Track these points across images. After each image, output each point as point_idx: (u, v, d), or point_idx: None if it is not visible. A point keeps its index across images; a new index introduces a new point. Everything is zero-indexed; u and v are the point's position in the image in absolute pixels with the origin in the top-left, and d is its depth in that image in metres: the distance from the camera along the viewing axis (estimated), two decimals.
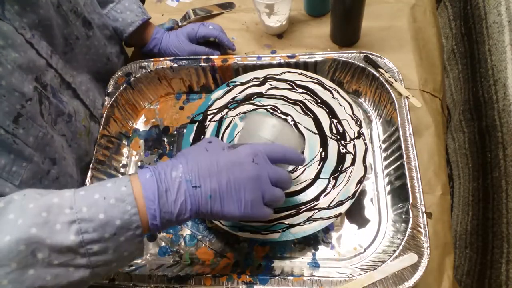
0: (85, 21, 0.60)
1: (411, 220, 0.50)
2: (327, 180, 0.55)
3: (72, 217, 0.32)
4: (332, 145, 0.58)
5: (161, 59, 0.68)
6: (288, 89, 0.63)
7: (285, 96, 0.63)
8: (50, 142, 0.50)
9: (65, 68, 0.56)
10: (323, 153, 0.57)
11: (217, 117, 0.63)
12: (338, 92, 0.62)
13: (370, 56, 0.62)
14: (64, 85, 0.56)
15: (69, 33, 0.56)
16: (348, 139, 0.58)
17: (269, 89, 0.64)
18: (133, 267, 0.54)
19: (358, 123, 0.59)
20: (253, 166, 0.38)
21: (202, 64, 0.66)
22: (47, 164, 0.49)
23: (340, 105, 0.61)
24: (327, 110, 0.61)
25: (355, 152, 0.57)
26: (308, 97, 0.62)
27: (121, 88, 0.66)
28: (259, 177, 0.38)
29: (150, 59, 0.68)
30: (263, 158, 0.40)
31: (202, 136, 0.61)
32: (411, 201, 0.50)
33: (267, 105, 0.63)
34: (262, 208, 0.40)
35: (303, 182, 0.56)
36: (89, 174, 0.59)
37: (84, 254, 0.33)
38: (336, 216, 0.53)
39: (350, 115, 0.60)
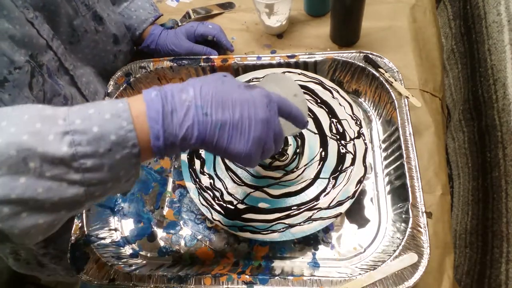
0: (95, 16, 0.61)
1: (411, 220, 0.50)
2: (327, 180, 0.55)
3: (65, 128, 0.31)
4: (332, 145, 0.58)
5: (161, 59, 0.68)
6: None
7: None
8: None
9: (66, 55, 0.57)
10: (323, 153, 0.58)
11: None
12: (338, 92, 0.62)
13: (370, 56, 0.62)
14: (62, 70, 0.57)
15: (78, 24, 0.57)
16: (348, 139, 0.58)
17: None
18: (133, 267, 0.54)
19: (358, 123, 0.59)
20: (266, 110, 0.37)
21: (202, 64, 0.66)
22: None
23: (340, 105, 0.61)
24: (327, 110, 0.61)
25: (355, 152, 0.57)
26: (308, 97, 0.62)
27: (121, 88, 0.66)
28: (268, 122, 0.37)
29: (150, 59, 0.68)
30: (275, 107, 0.38)
31: None
32: (411, 201, 0.51)
33: None
34: (258, 155, 0.39)
35: (303, 181, 0.56)
36: None
37: (78, 169, 0.31)
38: (336, 216, 0.53)
39: (350, 115, 0.60)
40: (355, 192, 0.54)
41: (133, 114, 0.33)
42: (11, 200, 0.29)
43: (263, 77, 0.64)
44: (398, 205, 0.54)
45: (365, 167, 0.56)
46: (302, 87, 0.63)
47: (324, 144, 0.58)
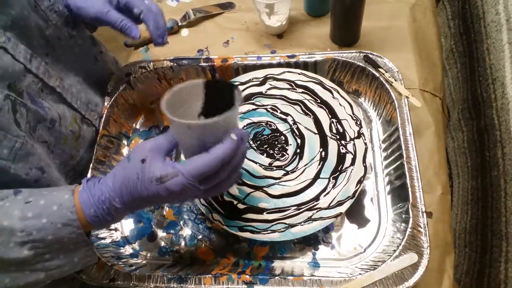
0: (68, 21, 0.57)
1: (411, 219, 0.50)
2: (327, 180, 0.56)
3: (24, 239, 0.38)
4: (332, 145, 0.58)
5: (161, 59, 0.67)
6: (288, 89, 0.64)
7: (285, 96, 0.63)
8: (31, 151, 0.47)
9: (48, 72, 0.53)
10: (323, 153, 0.58)
11: None
12: (338, 92, 0.62)
13: (370, 56, 0.62)
14: (48, 90, 0.53)
15: (50, 33, 0.53)
16: (348, 139, 0.58)
17: (269, 89, 0.64)
18: (133, 267, 0.54)
19: (358, 123, 0.59)
20: (178, 198, 0.43)
21: (202, 64, 0.66)
22: (35, 173, 0.48)
23: (340, 105, 0.61)
24: (327, 110, 0.61)
25: (355, 152, 0.57)
26: (308, 97, 0.62)
27: (121, 88, 0.66)
28: (187, 199, 0.48)
29: (150, 60, 0.68)
30: (193, 188, 0.40)
31: None
32: (411, 200, 0.51)
33: (267, 105, 0.63)
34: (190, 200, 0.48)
35: (303, 182, 0.56)
36: (89, 174, 0.59)
37: (38, 262, 0.39)
38: (336, 216, 0.53)
39: (350, 115, 0.60)
40: (355, 192, 0.54)
41: (80, 217, 0.41)
42: None
43: (263, 77, 0.64)
44: (398, 205, 0.54)
45: (365, 167, 0.56)
46: (302, 87, 0.63)
47: (324, 144, 0.58)
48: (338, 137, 0.59)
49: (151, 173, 0.40)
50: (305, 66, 0.65)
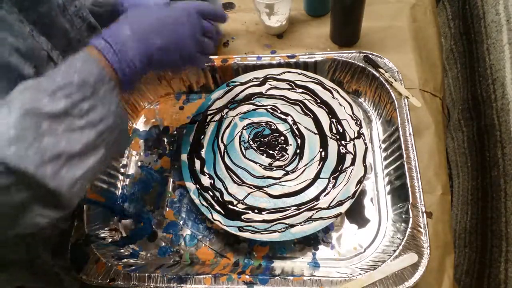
0: (90, 26, 0.60)
1: (411, 220, 0.50)
2: (327, 180, 0.56)
3: (52, 87, 0.36)
4: (332, 145, 0.58)
5: None
6: (288, 89, 0.64)
7: (285, 96, 0.63)
8: None
9: None
10: (323, 153, 0.58)
11: (217, 117, 0.63)
12: (338, 92, 0.62)
13: (370, 56, 0.62)
14: None
15: (73, 36, 0.57)
16: (348, 139, 0.58)
17: (269, 89, 0.64)
18: (133, 267, 0.54)
19: (358, 123, 0.59)
20: (185, 19, 0.46)
21: None
22: None
23: (340, 105, 0.61)
24: (327, 110, 0.61)
25: (355, 152, 0.57)
26: (308, 97, 0.62)
27: None
28: (191, 28, 0.47)
29: None
30: (195, 18, 0.47)
31: (202, 136, 0.61)
32: (411, 201, 0.51)
33: (267, 105, 0.63)
34: (196, 56, 0.48)
35: (303, 182, 0.56)
36: None
37: (80, 115, 0.37)
38: (336, 216, 0.53)
39: (350, 115, 0.60)
40: (355, 192, 0.54)
41: (96, 59, 0.41)
42: (45, 160, 0.33)
43: (263, 77, 0.64)
44: (398, 205, 0.54)
45: (365, 167, 0.56)
46: (302, 87, 0.63)
47: (324, 144, 0.58)
48: (338, 137, 0.59)
49: (166, 9, 0.46)
50: (305, 66, 0.65)
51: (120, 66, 0.42)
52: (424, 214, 0.50)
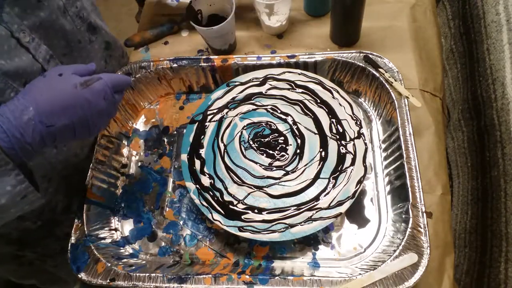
0: (90, 26, 0.60)
1: (411, 220, 0.50)
2: (327, 180, 0.56)
3: None
4: (332, 145, 0.58)
5: (161, 59, 0.67)
6: (288, 89, 0.64)
7: (285, 96, 0.63)
8: None
9: None
10: (323, 153, 0.58)
11: (217, 117, 0.63)
12: (338, 92, 0.62)
13: (370, 56, 0.62)
14: None
15: (72, 37, 0.56)
16: (348, 139, 0.58)
17: (269, 89, 0.64)
18: (133, 267, 0.54)
19: (358, 123, 0.59)
20: (103, 103, 0.44)
21: (202, 64, 0.66)
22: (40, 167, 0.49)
23: (340, 105, 0.61)
24: (327, 110, 0.61)
25: (355, 152, 0.57)
26: (308, 97, 0.62)
27: None
28: (107, 109, 0.45)
29: (150, 60, 0.68)
30: (110, 93, 0.45)
31: (202, 136, 0.61)
32: (411, 201, 0.51)
33: (267, 105, 0.63)
34: (108, 118, 0.47)
35: (303, 182, 0.56)
36: (89, 174, 0.59)
37: None
38: (336, 216, 0.53)
39: (350, 115, 0.60)
40: (355, 192, 0.54)
41: None
42: None
43: (263, 77, 0.64)
44: (398, 205, 0.54)
45: (365, 167, 0.56)
46: (302, 87, 0.63)
47: (324, 144, 0.58)
48: (338, 137, 0.59)
49: (74, 79, 0.42)
50: (305, 66, 0.65)
51: (16, 152, 0.39)
52: (424, 214, 0.50)
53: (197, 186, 0.57)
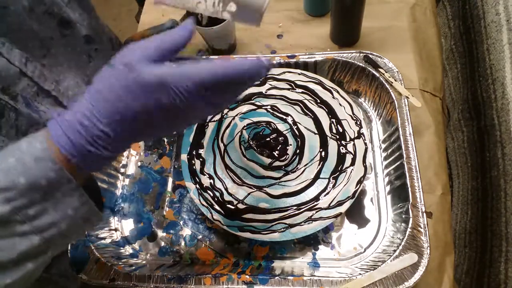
0: (62, 21, 0.57)
1: (411, 220, 0.50)
2: (327, 180, 0.56)
3: None
4: (332, 145, 0.58)
5: None
6: (288, 89, 0.64)
7: (285, 96, 0.63)
8: None
9: (44, 75, 0.52)
10: (323, 153, 0.58)
11: (217, 117, 0.63)
12: (338, 92, 0.62)
13: (370, 56, 0.62)
14: (43, 94, 0.52)
15: (44, 35, 0.53)
16: (348, 139, 0.58)
17: (269, 89, 0.64)
18: (133, 267, 0.54)
19: (358, 123, 0.59)
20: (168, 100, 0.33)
21: None
22: None
23: (340, 105, 0.61)
24: (327, 110, 0.61)
25: (355, 152, 0.57)
26: (308, 97, 0.62)
27: None
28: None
29: None
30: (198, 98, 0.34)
31: (202, 136, 0.61)
32: (411, 201, 0.51)
33: (267, 105, 0.63)
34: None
35: (303, 182, 0.56)
36: None
37: (23, 221, 0.30)
38: (336, 216, 0.53)
39: (350, 115, 0.60)
40: (355, 192, 0.54)
41: (52, 155, 0.31)
42: None
43: (263, 77, 0.64)
44: (398, 205, 0.54)
45: (365, 167, 0.56)
46: (302, 87, 0.63)
47: (324, 144, 0.58)
48: (338, 137, 0.59)
49: (139, 82, 0.32)
50: (305, 66, 0.65)
51: (80, 163, 0.33)
52: (424, 214, 0.50)
53: (197, 186, 0.57)
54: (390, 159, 0.58)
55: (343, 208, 0.53)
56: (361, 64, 0.62)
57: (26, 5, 0.49)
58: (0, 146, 0.44)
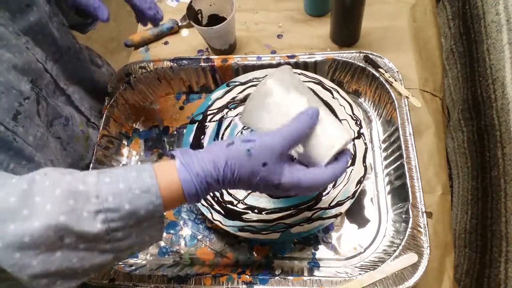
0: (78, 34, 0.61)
1: (411, 220, 0.50)
2: None
3: (98, 207, 0.32)
4: None
5: (161, 59, 0.67)
6: None
7: None
8: (46, 143, 0.50)
9: (59, 75, 0.57)
10: None
11: (217, 117, 0.63)
12: (338, 92, 0.62)
13: (370, 56, 0.62)
14: (59, 92, 0.57)
15: (62, 44, 0.57)
16: None
17: None
18: (133, 267, 0.54)
19: (358, 123, 0.59)
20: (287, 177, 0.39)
21: (202, 64, 0.66)
22: (49, 166, 0.50)
23: (340, 105, 0.61)
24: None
25: (355, 152, 0.57)
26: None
27: (121, 88, 0.66)
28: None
29: (150, 60, 0.68)
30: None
31: (202, 136, 0.61)
32: (411, 201, 0.51)
33: None
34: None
35: None
36: None
37: (109, 241, 0.33)
38: (336, 216, 0.53)
39: (350, 115, 0.60)
40: (355, 192, 0.54)
41: (161, 186, 0.35)
42: (50, 273, 0.31)
43: (263, 77, 0.64)
44: (398, 205, 0.54)
45: (365, 167, 0.56)
46: None
47: None
48: None
49: (274, 179, 0.37)
50: (305, 66, 0.65)
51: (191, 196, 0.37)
52: (424, 214, 0.50)
53: None
54: (390, 159, 0.58)
55: (343, 208, 0.53)
56: (361, 64, 0.62)
57: (47, 10, 0.52)
58: (41, 132, 0.49)
